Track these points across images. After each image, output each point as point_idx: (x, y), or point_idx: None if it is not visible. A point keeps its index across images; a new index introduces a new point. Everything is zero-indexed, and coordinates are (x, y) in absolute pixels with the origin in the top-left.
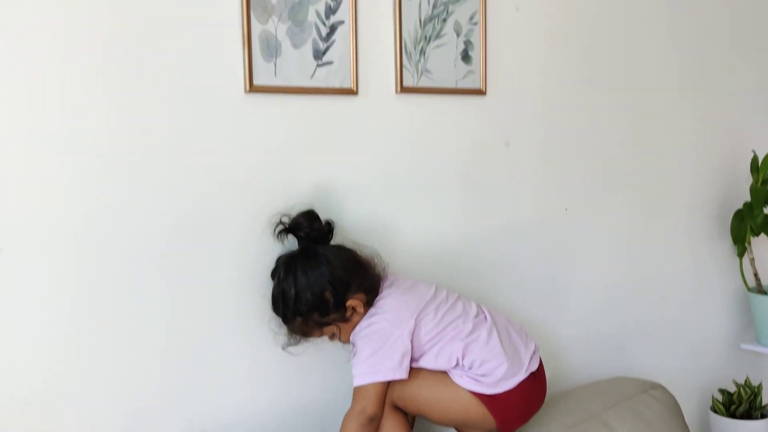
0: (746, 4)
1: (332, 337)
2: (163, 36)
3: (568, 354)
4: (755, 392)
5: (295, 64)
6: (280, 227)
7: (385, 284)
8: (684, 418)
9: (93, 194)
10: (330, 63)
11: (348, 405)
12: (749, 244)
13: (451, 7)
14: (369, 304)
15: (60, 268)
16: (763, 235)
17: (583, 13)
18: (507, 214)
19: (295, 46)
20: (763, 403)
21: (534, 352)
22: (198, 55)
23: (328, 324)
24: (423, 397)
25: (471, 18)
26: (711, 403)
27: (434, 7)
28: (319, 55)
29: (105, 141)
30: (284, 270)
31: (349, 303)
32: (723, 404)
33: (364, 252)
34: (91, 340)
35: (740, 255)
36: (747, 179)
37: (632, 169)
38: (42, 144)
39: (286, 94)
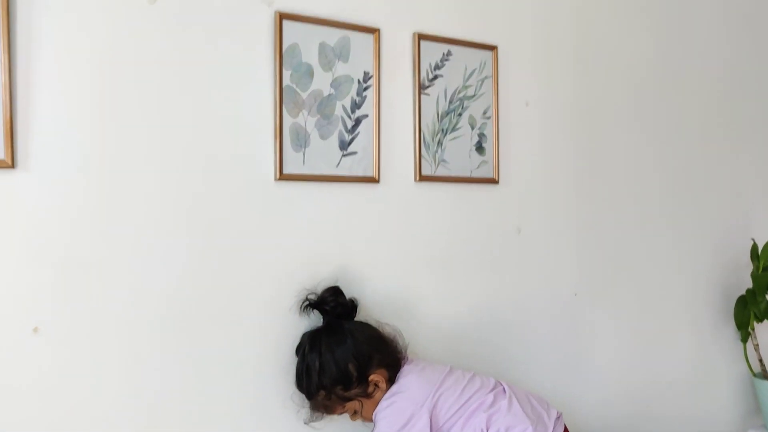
0: (741, 92)
1: (354, 414)
2: (204, 127)
3: None
4: None
5: (322, 154)
6: (307, 302)
7: (405, 361)
8: None
9: (125, 270)
10: (354, 153)
11: None
12: (753, 329)
13: (466, 103)
14: (391, 380)
15: (90, 348)
16: (766, 321)
17: (589, 108)
18: (519, 297)
19: (323, 137)
20: None
21: (558, 418)
22: (234, 145)
23: (350, 399)
24: None
25: (484, 112)
26: None
27: (450, 102)
28: (344, 145)
29: (150, 224)
30: (309, 344)
31: (372, 378)
32: None
33: (386, 330)
34: (115, 412)
35: (744, 341)
36: (748, 266)
37: (637, 256)
38: (78, 232)
39: (313, 182)
